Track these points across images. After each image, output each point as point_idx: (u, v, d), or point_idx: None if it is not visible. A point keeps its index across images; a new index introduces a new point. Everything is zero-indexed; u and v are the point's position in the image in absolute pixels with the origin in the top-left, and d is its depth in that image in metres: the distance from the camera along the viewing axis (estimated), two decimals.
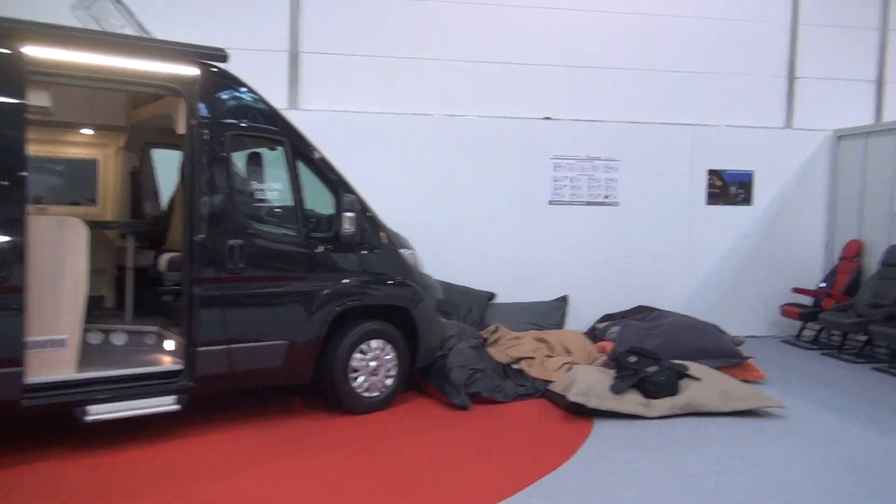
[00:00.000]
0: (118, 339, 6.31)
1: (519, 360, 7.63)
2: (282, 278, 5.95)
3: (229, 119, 5.73)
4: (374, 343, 6.43)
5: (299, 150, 6.08)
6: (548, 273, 9.83)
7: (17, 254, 4.77)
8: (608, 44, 10.00)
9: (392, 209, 9.16)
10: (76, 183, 7.17)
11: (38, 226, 5.01)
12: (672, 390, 6.61)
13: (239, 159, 5.97)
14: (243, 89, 5.87)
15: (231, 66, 8.68)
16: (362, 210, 6.34)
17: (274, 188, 6.00)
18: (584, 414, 6.39)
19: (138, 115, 6.87)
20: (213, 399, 6.59)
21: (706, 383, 6.69)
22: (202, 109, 5.56)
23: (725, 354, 7.85)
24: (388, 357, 6.50)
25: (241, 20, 8.99)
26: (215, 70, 5.68)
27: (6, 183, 4.73)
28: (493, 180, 9.61)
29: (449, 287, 9.41)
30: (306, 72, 9.24)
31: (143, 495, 4.59)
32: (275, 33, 9.11)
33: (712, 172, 10.17)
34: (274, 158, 6.04)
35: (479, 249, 9.63)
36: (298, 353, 6.01)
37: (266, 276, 5.86)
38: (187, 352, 5.59)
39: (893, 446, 5.80)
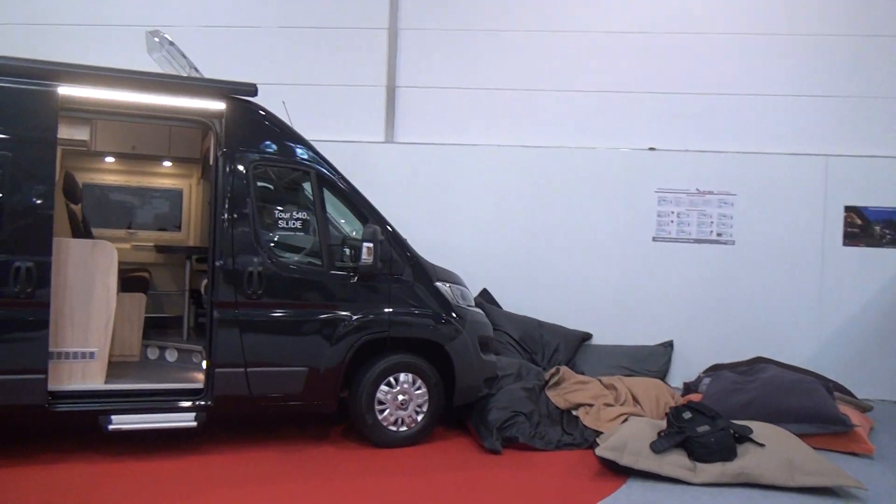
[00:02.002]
0: (171, 356, 6.77)
1: (578, 406, 7.12)
2: (301, 305, 6.04)
3: (254, 149, 5.97)
4: (403, 377, 6.33)
5: (326, 179, 6.17)
6: (651, 315, 9.13)
7: (42, 274, 5.26)
8: (721, 67, 9.16)
9: (484, 242, 9.15)
10: (166, 210, 7.84)
11: (68, 248, 5.53)
12: (726, 454, 5.80)
13: (269, 189, 6.19)
14: (270, 121, 6.08)
15: (329, 101, 9.18)
16: (390, 241, 6.27)
17: (299, 217, 6.12)
18: (620, 472, 5.81)
19: (205, 147, 7.38)
20: (260, 420, 6.84)
21: (770, 451, 5.79)
22: (228, 141, 5.85)
23: (825, 420, 6.75)
24: (417, 392, 6.36)
25: (342, 57, 9.38)
26: (242, 103, 5.94)
27: (37, 214, 5.25)
28: (592, 214, 9.16)
29: (538, 325, 9.06)
30: (403, 105, 9.40)
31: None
32: (373, 69, 9.38)
33: (850, 209, 8.89)
34: (302, 188, 6.19)
35: (575, 286, 9.20)
36: (319, 381, 6.05)
37: (285, 303, 5.97)
38: (208, 372, 5.85)
39: None
